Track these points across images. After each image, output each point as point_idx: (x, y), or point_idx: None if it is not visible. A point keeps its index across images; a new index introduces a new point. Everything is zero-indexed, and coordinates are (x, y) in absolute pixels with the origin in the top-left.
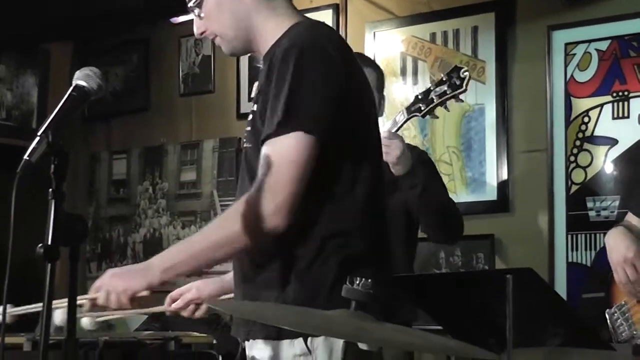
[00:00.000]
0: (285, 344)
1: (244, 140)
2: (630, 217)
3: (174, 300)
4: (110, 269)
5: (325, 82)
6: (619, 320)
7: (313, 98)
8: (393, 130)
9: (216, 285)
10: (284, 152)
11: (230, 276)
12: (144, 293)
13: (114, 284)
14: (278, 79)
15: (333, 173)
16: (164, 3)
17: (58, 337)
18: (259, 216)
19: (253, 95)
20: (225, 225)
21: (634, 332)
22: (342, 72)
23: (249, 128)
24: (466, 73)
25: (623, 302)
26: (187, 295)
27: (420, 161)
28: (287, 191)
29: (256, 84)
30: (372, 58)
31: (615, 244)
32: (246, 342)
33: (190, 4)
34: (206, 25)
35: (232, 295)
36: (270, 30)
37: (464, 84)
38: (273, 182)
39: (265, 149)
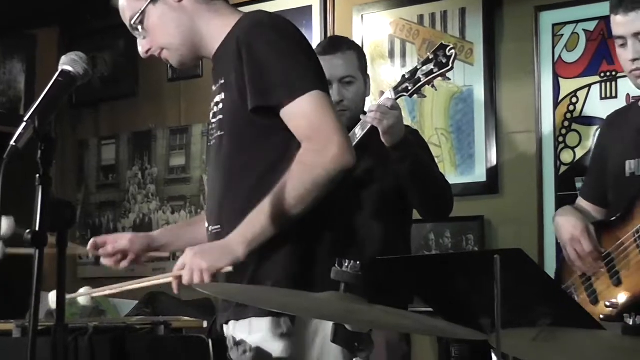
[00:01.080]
0: (271, 323)
1: (214, 131)
2: (580, 201)
3: (98, 246)
4: (189, 248)
5: (302, 46)
6: None
7: (302, 61)
8: None
9: (145, 241)
10: (313, 108)
11: (157, 233)
12: (228, 269)
13: (197, 263)
14: (256, 52)
15: None
16: None
17: (47, 324)
18: (325, 161)
19: (215, 88)
20: (291, 185)
21: None
22: (307, 40)
23: (220, 117)
24: (452, 51)
25: (569, 284)
26: (119, 243)
27: (411, 136)
28: (339, 132)
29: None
30: (352, 40)
31: (563, 222)
32: (230, 323)
33: (132, 23)
34: (150, 42)
35: (161, 254)
36: (217, 30)
37: (451, 62)
38: (322, 130)
39: (290, 114)
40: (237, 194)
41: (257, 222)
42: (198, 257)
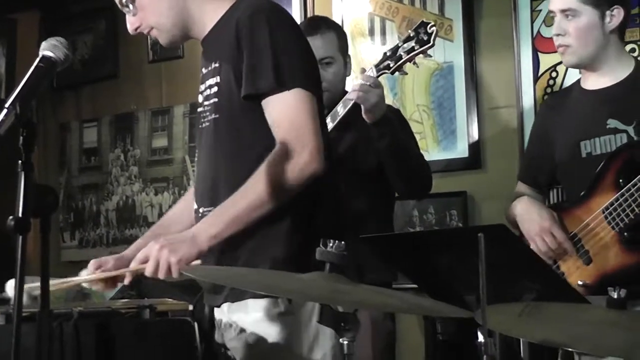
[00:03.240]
0: (268, 303)
1: (207, 113)
2: (521, 186)
3: (96, 268)
4: (154, 241)
5: (299, 40)
6: None
7: (297, 57)
8: None
9: None
10: (296, 106)
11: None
12: (197, 262)
13: (165, 255)
14: (255, 40)
15: None
16: None
17: (31, 310)
18: (294, 167)
19: (207, 70)
20: (258, 186)
21: None
22: (304, 37)
23: (215, 100)
24: (433, 28)
25: None
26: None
27: (392, 113)
28: (315, 138)
29: (209, 62)
30: (332, 20)
31: (528, 214)
32: (223, 306)
33: (123, 0)
34: (140, 20)
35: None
36: (209, 12)
37: (432, 39)
38: (299, 132)
39: (272, 106)
40: (232, 178)
41: (223, 215)
42: (166, 251)
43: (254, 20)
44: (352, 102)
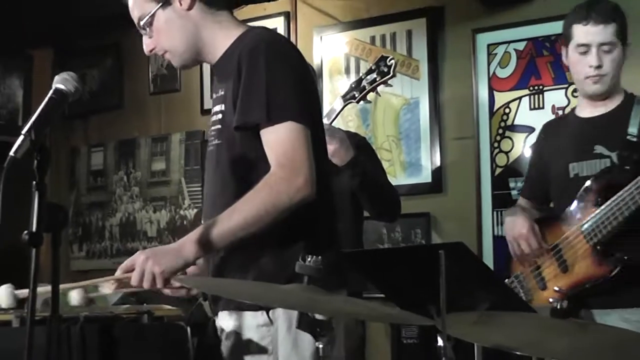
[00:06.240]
0: (249, 315)
1: (213, 138)
2: (521, 200)
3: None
4: (141, 251)
5: (295, 74)
6: (516, 288)
7: (290, 90)
8: (332, 117)
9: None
10: (289, 137)
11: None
12: (194, 270)
13: (150, 266)
14: (250, 73)
15: None
16: None
17: (43, 314)
18: (289, 190)
19: (216, 96)
20: (250, 207)
21: (530, 298)
22: (305, 65)
23: (219, 126)
24: (392, 61)
25: (519, 273)
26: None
27: (360, 150)
28: (307, 166)
29: (217, 88)
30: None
31: (512, 221)
32: (219, 314)
33: (142, 23)
34: (155, 43)
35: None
36: (220, 40)
37: (391, 70)
38: (293, 161)
39: (268, 137)
40: (230, 202)
41: (213, 230)
42: (151, 261)
43: (252, 55)
44: None
